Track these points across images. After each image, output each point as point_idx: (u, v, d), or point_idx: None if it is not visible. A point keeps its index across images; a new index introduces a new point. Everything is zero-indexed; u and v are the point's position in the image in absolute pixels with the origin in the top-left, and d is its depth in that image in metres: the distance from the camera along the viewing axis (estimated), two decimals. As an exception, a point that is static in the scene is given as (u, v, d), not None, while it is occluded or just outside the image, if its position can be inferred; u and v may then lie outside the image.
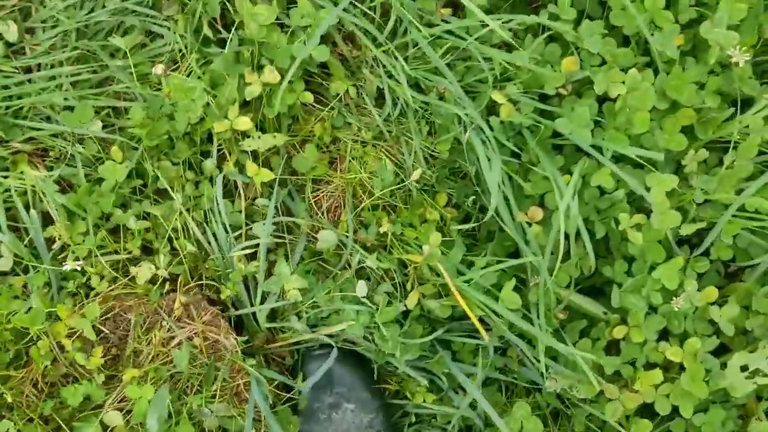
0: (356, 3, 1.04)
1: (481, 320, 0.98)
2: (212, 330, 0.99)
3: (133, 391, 0.92)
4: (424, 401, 0.95)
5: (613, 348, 0.99)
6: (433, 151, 1.08)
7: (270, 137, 1.04)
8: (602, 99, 1.00)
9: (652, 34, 0.99)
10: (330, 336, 0.97)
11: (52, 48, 1.04)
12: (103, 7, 1.05)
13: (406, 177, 1.08)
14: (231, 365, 0.98)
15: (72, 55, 1.04)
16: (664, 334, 1.01)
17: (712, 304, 1.00)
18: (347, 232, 1.04)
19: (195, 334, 0.98)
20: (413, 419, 0.99)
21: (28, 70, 1.04)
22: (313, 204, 1.09)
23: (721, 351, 1.00)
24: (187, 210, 1.01)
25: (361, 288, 0.95)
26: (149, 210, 1.02)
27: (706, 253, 1.03)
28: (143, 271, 1.00)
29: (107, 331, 1.00)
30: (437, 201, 1.08)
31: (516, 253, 1.05)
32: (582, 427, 0.99)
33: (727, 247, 1.02)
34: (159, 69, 0.99)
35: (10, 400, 0.92)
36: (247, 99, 1.01)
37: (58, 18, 1.04)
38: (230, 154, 1.06)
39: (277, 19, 1.02)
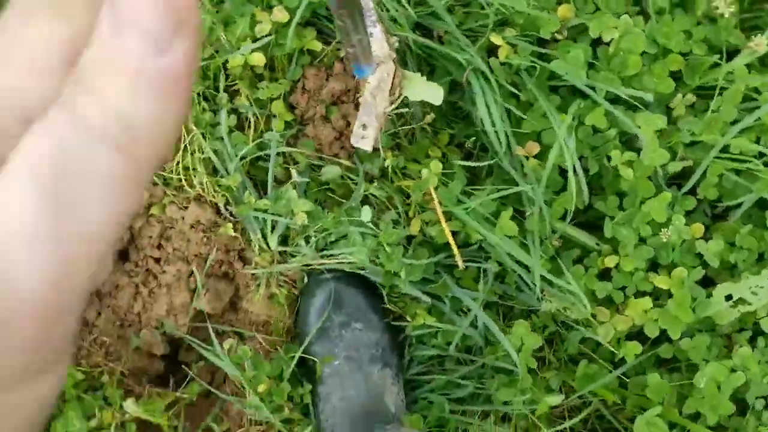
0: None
1: (481, 248, 1.03)
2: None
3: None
4: (425, 322, 0.99)
5: (605, 277, 1.05)
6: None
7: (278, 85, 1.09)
8: (596, 44, 1.06)
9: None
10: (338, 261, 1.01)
11: None
12: None
13: (411, 119, 1.13)
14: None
15: None
16: (653, 267, 1.06)
17: (699, 239, 1.06)
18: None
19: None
20: (414, 341, 1.03)
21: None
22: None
23: (707, 284, 1.06)
24: (203, 135, 1.05)
25: (366, 213, 1.00)
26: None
27: (693, 193, 1.09)
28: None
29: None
30: (440, 140, 1.13)
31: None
32: (575, 350, 1.04)
33: (713, 186, 1.08)
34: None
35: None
36: (258, 36, 1.06)
37: None
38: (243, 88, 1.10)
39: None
